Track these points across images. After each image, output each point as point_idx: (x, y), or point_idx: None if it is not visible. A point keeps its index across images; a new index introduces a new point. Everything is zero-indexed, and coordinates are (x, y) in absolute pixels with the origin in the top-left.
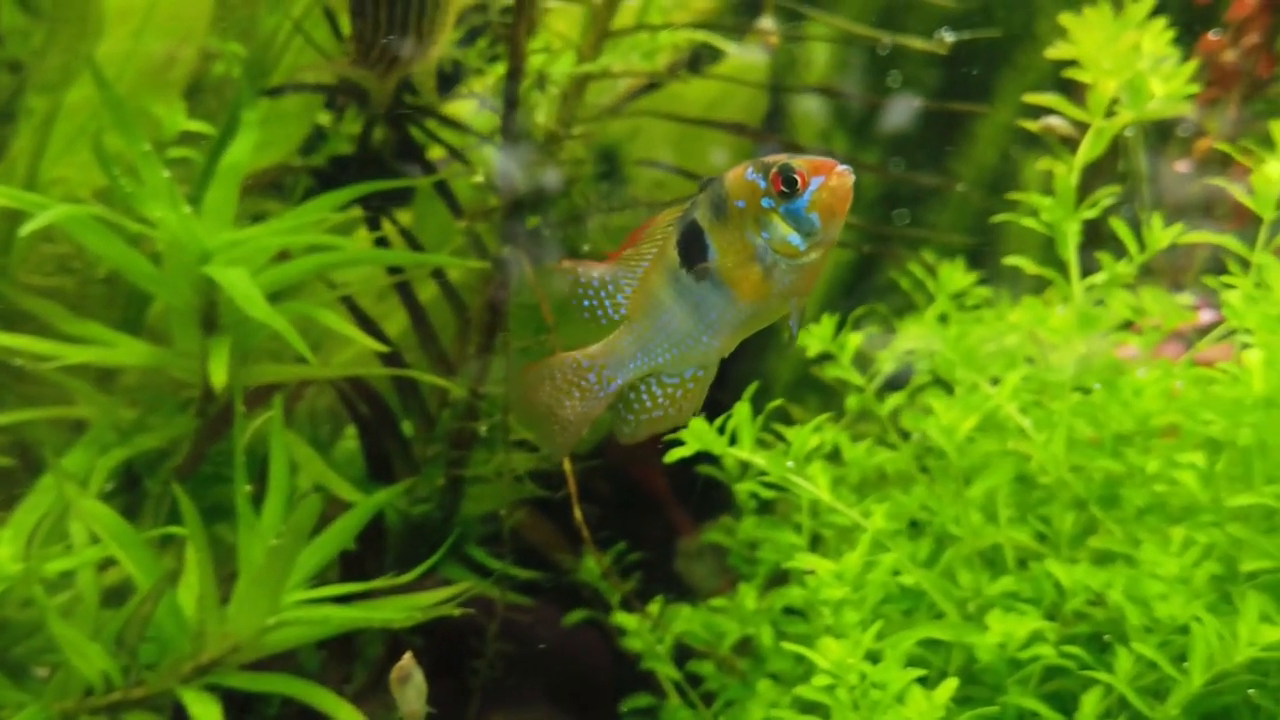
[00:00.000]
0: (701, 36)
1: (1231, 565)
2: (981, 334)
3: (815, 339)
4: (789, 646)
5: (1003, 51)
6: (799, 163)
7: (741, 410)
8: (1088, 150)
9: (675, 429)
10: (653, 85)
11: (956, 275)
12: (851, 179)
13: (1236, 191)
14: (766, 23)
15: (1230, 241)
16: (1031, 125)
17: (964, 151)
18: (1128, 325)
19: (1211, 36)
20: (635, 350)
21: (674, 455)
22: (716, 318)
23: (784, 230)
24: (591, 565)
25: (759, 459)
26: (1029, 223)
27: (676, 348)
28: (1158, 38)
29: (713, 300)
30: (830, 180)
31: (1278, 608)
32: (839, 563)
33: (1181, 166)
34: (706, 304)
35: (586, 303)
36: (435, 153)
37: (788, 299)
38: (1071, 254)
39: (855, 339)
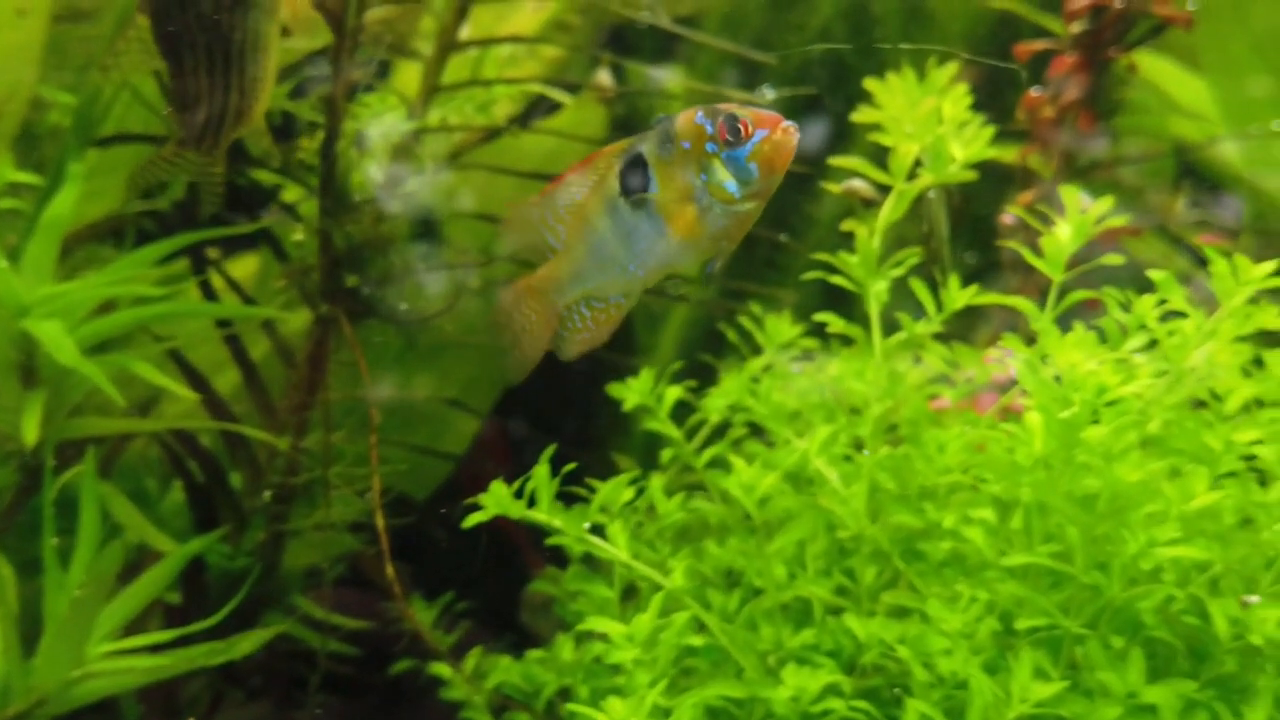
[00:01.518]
0: (537, 89)
1: (1013, 621)
2: (803, 385)
3: (633, 392)
4: (574, 708)
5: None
6: (747, 113)
7: (540, 472)
8: (890, 212)
9: (595, 348)
10: (488, 138)
11: (783, 327)
12: (796, 137)
13: (1026, 253)
14: (604, 77)
15: (1022, 303)
16: (834, 187)
17: (819, 195)
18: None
19: (1033, 93)
20: (571, 273)
21: (471, 520)
22: (645, 249)
23: (723, 176)
24: (422, 615)
25: (557, 520)
26: (838, 280)
27: (605, 273)
28: (958, 103)
29: (645, 231)
30: (774, 134)
31: (1054, 663)
32: (630, 624)
33: (1008, 219)
34: (638, 234)
35: (528, 240)
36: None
37: (715, 244)
38: (874, 311)
39: (674, 391)
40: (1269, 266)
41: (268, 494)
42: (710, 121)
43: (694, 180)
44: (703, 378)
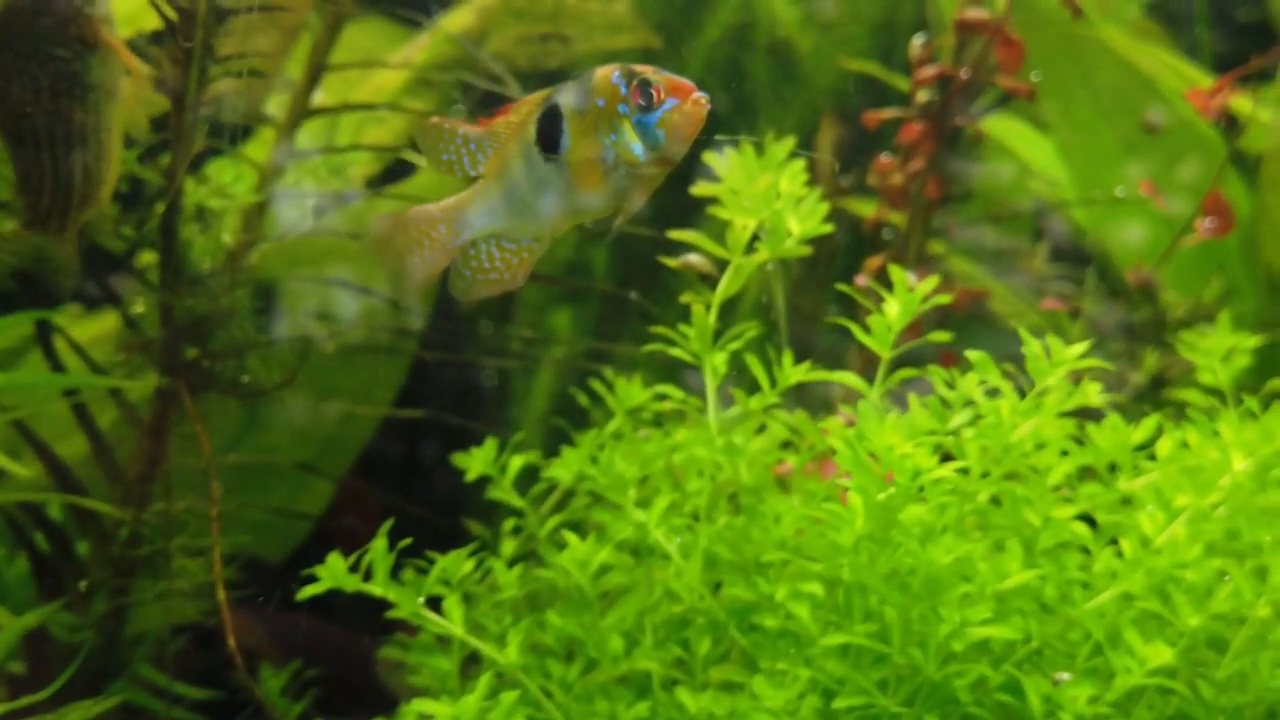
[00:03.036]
0: (402, 153)
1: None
2: (650, 452)
3: (477, 461)
4: None
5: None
6: (660, 79)
7: (378, 546)
8: (727, 286)
9: (506, 291)
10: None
11: (634, 391)
12: (706, 109)
13: (857, 331)
14: None
15: (851, 379)
16: (671, 262)
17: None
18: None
19: (884, 159)
20: (483, 210)
21: (306, 592)
22: (554, 199)
23: (630, 138)
24: (272, 684)
25: (391, 594)
26: (676, 353)
27: (517, 216)
28: (794, 179)
29: (554, 181)
30: (685, 104)
31: None
32: (455, 705)
33: (860, 280)
34: (548, 182)
35: (448, 156)
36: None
37: (616, 202)
38: (711, 385)
39: (517, 460)
40: (1079, 349)
41: (83, 584)
42: (625, 83)
43: (604, 139)
44: (566, 440)
